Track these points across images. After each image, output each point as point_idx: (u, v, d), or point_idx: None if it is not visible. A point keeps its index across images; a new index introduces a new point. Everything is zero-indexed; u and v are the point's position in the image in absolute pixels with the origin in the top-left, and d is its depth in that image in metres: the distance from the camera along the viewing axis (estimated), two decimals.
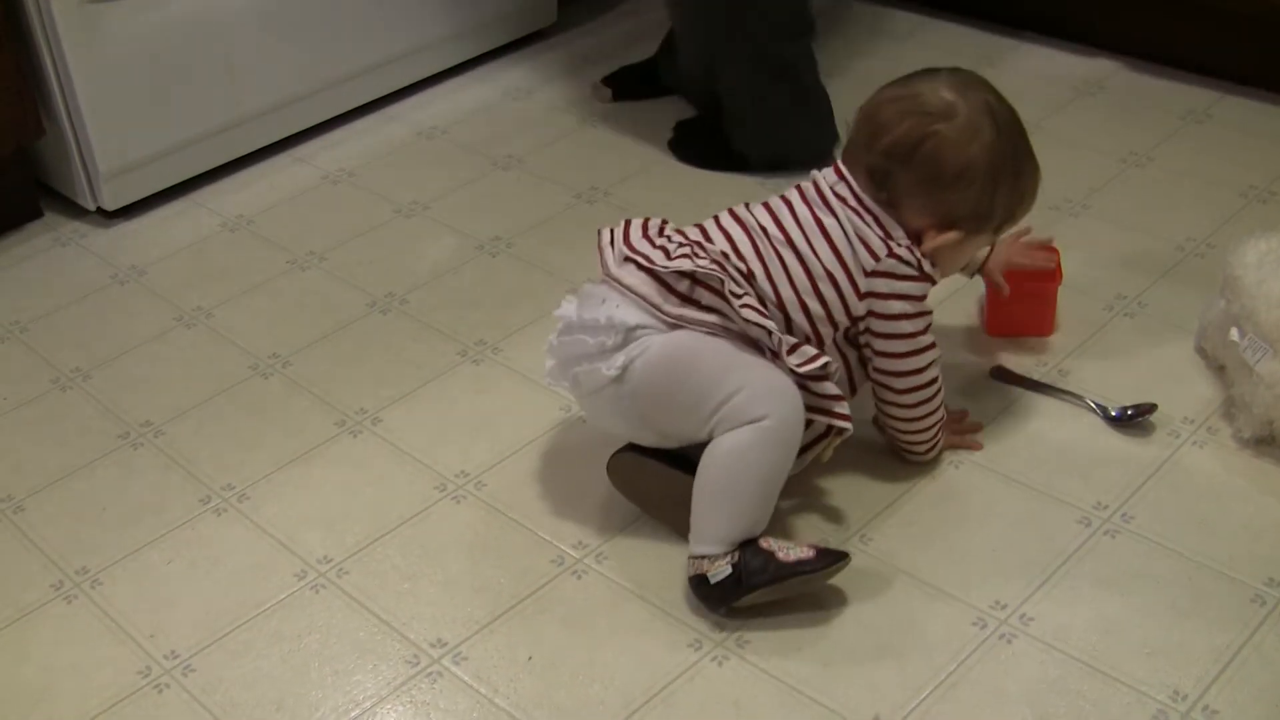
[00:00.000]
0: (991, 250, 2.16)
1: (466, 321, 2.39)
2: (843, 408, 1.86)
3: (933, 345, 1.94)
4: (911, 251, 1.89)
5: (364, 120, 3.03)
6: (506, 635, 1.83)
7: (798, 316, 1.89)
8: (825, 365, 1.83)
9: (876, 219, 1.89)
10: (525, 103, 3.07)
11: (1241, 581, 1.84)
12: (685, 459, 1.89)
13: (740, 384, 1.81)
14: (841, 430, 1.87)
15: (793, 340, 1.84)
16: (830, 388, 1.85)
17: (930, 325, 1.93)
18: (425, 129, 2.99)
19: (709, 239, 1.91)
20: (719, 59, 2.69)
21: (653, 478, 1.92)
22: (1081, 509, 1.96)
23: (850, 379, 1.99)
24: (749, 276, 1.87)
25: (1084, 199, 2.61)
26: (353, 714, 1.74)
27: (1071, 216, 2.57)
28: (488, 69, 3.21)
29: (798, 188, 1.96)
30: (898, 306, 1.89)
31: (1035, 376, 2.18)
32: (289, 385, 2.28)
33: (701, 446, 1.84)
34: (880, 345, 1.92)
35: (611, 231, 1.97)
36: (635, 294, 1.87)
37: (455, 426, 2.16)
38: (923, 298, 1.91)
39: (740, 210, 1.95)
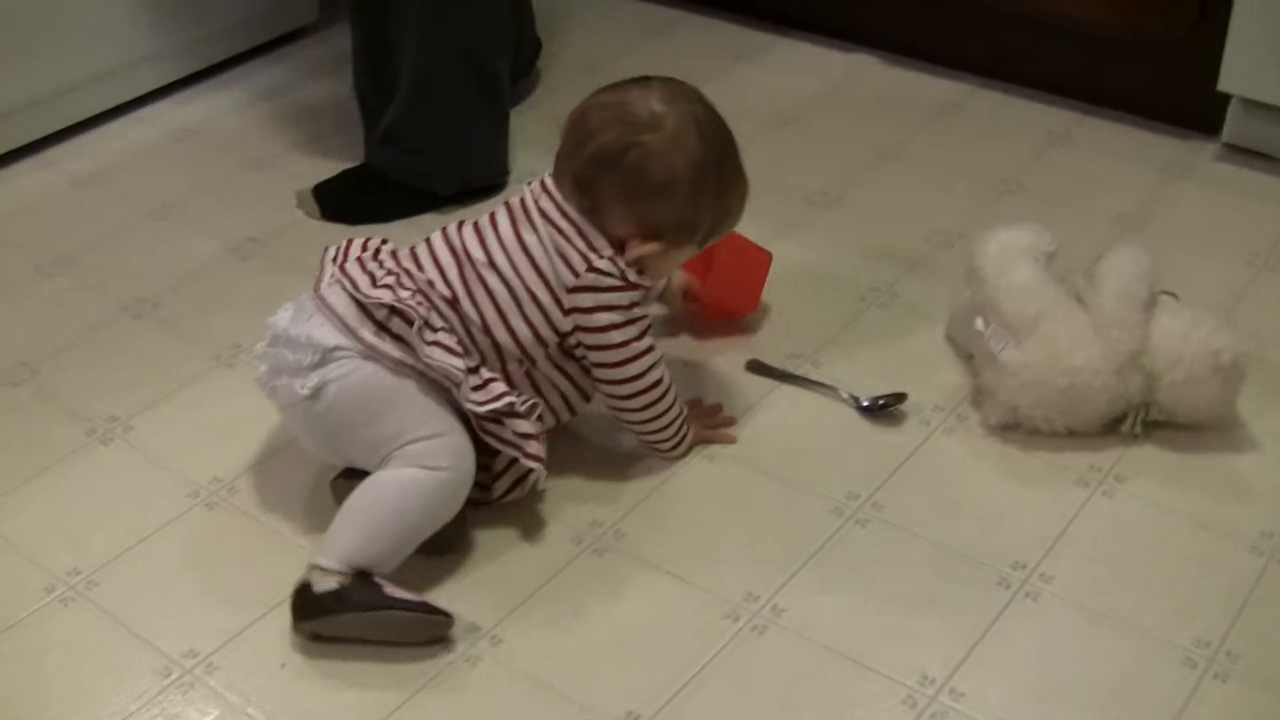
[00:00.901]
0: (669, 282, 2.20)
1: (219, 325, 2.35)
2: (535, 447, 1.86)
3: (649, 349, 1.94)
4: (614, 262, 1.88)
5: (114, 123, 2.96)
6: (259, 643, 1.80)
7: (504, 339, 1.89)
8: (510, 405, 1.84)
9: (579, 230, 1.88)
10: (282, 102, 3.03)
11: (988, 565, 1.88)
12: None
13: (434, 431, 1.82)
14: (531, 470, 1.88)
15: (479, 379, 1.85)
16: (523, 425, 1.86)
17: (647, 329, 1.93)
18: (177, 131, 2.93)
19: (419, 265, 1.91)
20: (426, 66, 2.57)
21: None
22: (833, 499, 1.98)
23: (580, 390, 1.99)
24: (453, 302, 1.87)
25: (838, 191, 2.65)
26: None
27: (825, 209, 2.60)
28: (245, 69, 3.16)
29: (507, 203, 1.95)
30: (603, 318, 1.89)
31: (789, 368, 2.21)
32: (38, 394, 2.22)
33: None
34: (594, 357, 1.93)
35: (336, 248, 1.97)
36: (336, 315, 1.86)
37: (208, 432, 2.13)
38: (631, 306, 1.91)
39: (451, 231, 1.95)
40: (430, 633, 1.79)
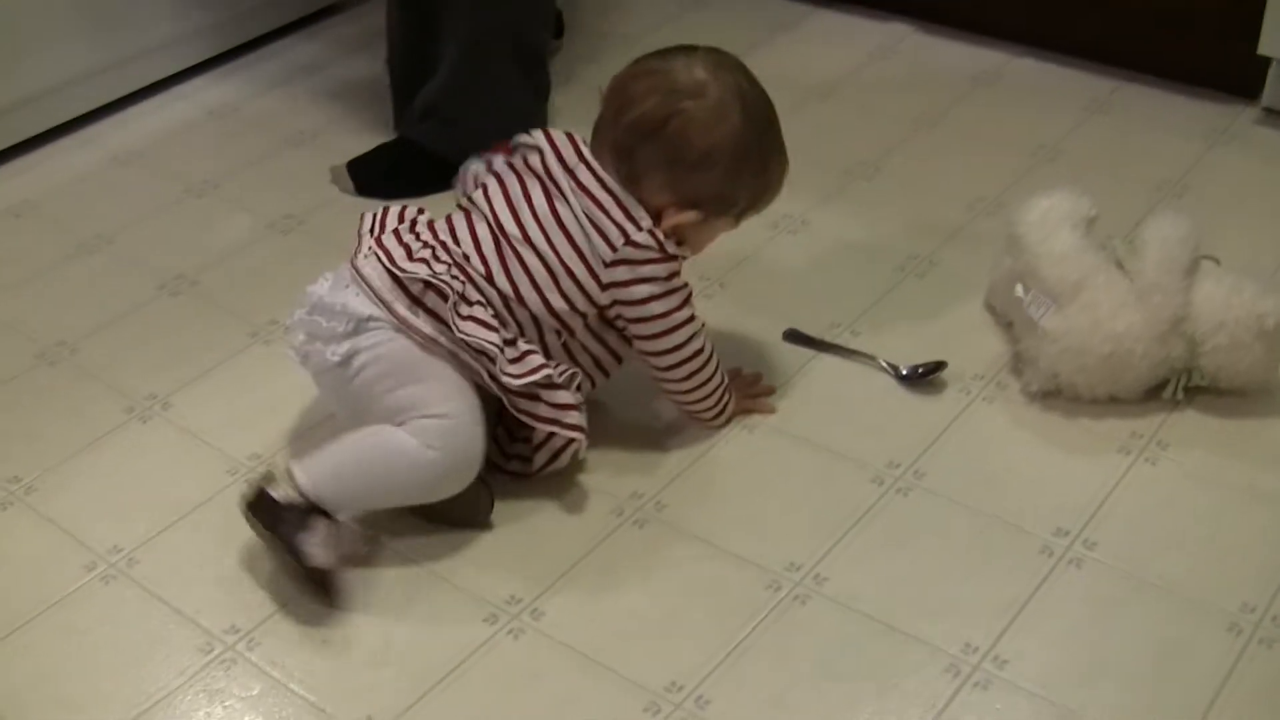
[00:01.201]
0: None
1: (258, 302, 2.35)
2: (574, 417, 1.85)
3: (691, 319, 1.93)
4: (653, 235, 1.87)
5: (154, 99, 2.96)
6: (300, 619, 1.80)
7: (541, 312, 1.88)
8: (548, 377, 1.83)
9: (617, 201, 1.87)
10: (317, 78, 3.03)
11: (1030, 533, 1.87)
12: None
13: (445, 412, 1.81)
14: (571, 441, 1.88)
15: (516, 351, 1.84)
16: (562, 396, 1.85)
17: (688, 299, 1.93)
18: (215, 108, 2.94)
19: (456, 238, 1.90)
20: (472, 43, 2.57)
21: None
22: (874, 468, 1.98)
23: (615, 355, 1.99)
24: (489, 278, 1.87)
25: (876, 161, 2.63)
26: (144, 706, 1.70)
27: (864, 179, 2.59)
28: (280, 45, 3.16)
29: (539, 173, 1.91)
30: (642, 290, 1.88)
31: (828, 338, 2.20)
32: (77, 372, 2.23)
33: None
34: (635, 329, 1.92)
35: (373, 217, 1.97)
36: (370, 288, 1.85)
37: (247, 409, 2.13)
38: (670, 277, 1.90)
39: (481, 202, 1.93)
40: (307, 589, 1.82)
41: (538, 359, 1.85)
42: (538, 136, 1.93)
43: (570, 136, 1.92)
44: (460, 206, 1.96)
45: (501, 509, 1.93)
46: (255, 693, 1.72)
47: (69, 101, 2.84)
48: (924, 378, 2.11)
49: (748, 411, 2.07)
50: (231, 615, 1.81)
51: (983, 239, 2.40)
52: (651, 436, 2.04)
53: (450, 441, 1.81)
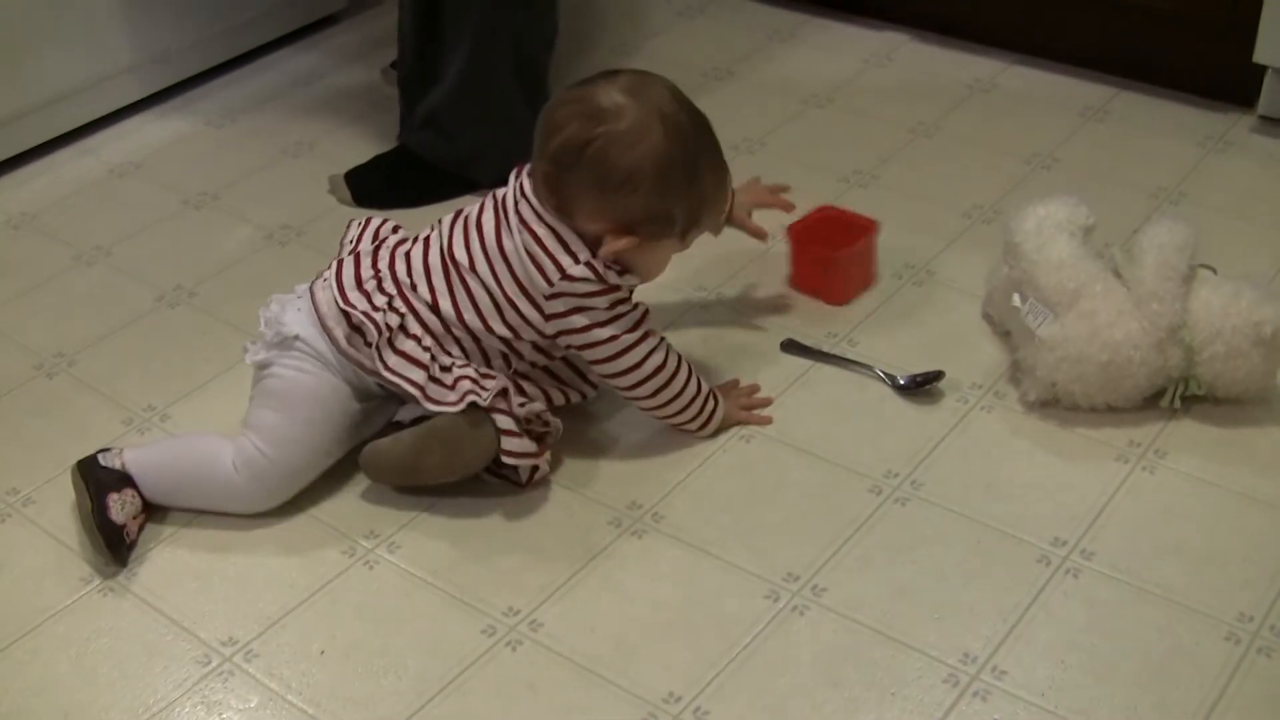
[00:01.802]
0: (733, 201, 2.14)
1: (256, 313, 2.34)
2: (513, 444, 1.89)
3: (643, 338, 1.93)
4: (590, 266, 1.87)
5: (152, 110, 2.97)
6: (298, 629, 1.81)
7: (484, 336, 1.91)
8: (474, 403, 1.86)
9: (555, 234, 1.88)
10: (315, 89, 3.03)
11: (1028, 542, 1.87)
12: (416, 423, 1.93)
13: (270, 450, 1.92)
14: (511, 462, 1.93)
15: (449, 378, 1.89)
16: (503, 421, 1.88)
17: (638, 322, 1.93)
18: (214, 118, 2.94)
19: (409, 265, 1.94)
20: (472, 58, 2.55)
21: (395, 451, 1.93)
22: (872, 478, 1.98)
23: (583, 375, 2.03)
24: (433, 305, 1.91)
25: (873, 169, 2.64)
26: (143, 718, 1.71)
27: (860, 187, 2.59)
28: (278, 55, 3.16)
29: (497, 200, 1.95)
30: (580, 320, 1.90)
31: (825, 348, 2.20)
32: (75, 384, 2.23)
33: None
34: (586, 355, 1.94)
35: (358, 228, 2.04)
36: (319, 313, 1.94)
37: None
38: (612, 306, 1.90)
39: (444, 227, 1.97)
40: (92, 539, 1.90)
41: (467, 385, 1.87)
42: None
43: (521, 168, 1.94)
44: (431, 228, 1.99)
45: (499, 520, 1.94)
46: (253, 704, 1.72)
47: (67, 113, 2.84)
48: (921, 387, 2.11)
49: (744, 422, 2.07)
50: (229, 627, 1.81)
51: (980, 246, 2.40)
52: (649, 447, 2.04)
53: (257, 477, 1.92)
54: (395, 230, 2.01)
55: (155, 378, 2.23)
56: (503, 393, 1.89)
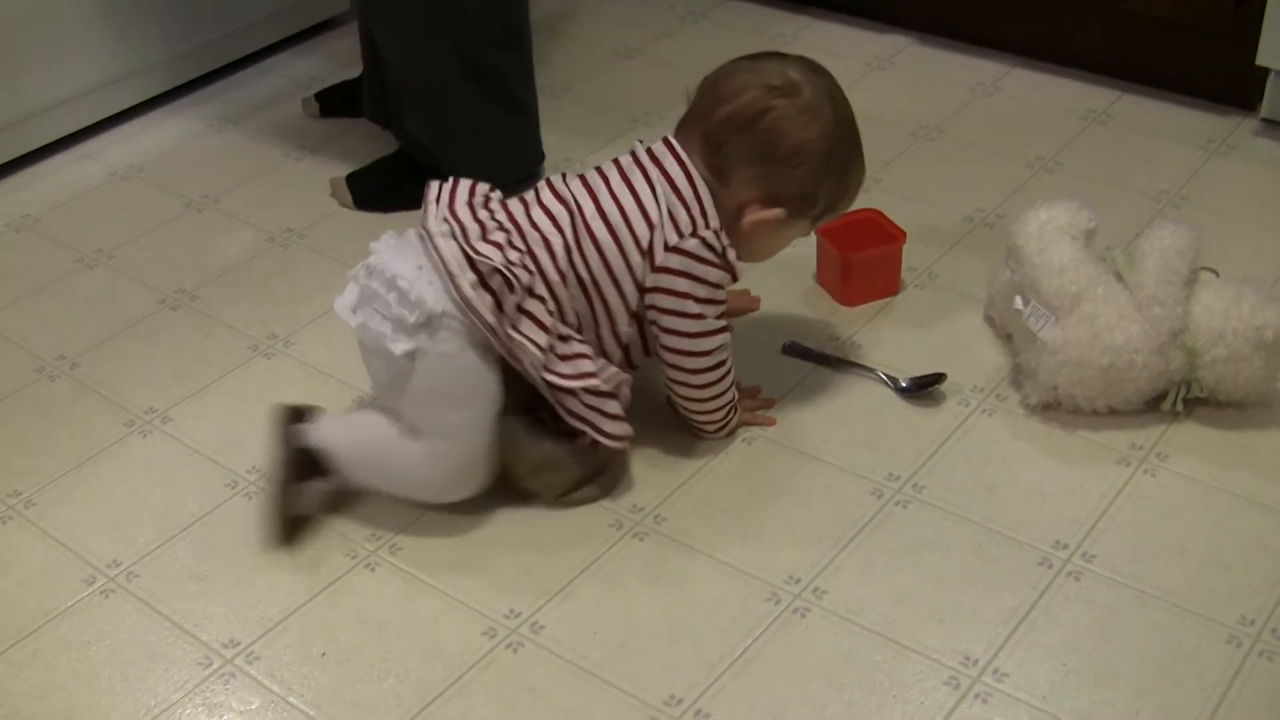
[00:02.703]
0: None
1: (258, 315, 2.35)
2: (612, 426, 1.90)
3: (722, 329, 1.95)
4: (719, 237, 1.89)
5: (154, 114, 2.97)
6: (300, 632, 1.81)
7: (607, 288, 1.90)
8: (594, 386, 1.86)
9: (697, 195, 1.89)
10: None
11: (1029, 545, 1.87)
12: (551, 423, 1.95)
13: (448, 440, 1.89)
14: (607, 444, 1.92)
15: (568, 350, 1.87)
16: (612, 405, 1.89)
17: (722, 311, 1.94)
18: (216, 122, 2.94)
19: (532, 221, 1.90)
20: (418, 67, 2.52)
21: (532, 446, 1.95)
22: (873, 480, 1.98)
23: (627, 356, 1.99)
24: (555, 259, 1.88)
25: (875, 173, 2.63)
26: None
27: (863, 191, 2.56)
28: (279, 59, 3.16)
29: (616, 160, 1.96)
30: (685, 285, 1.89)
31: (827, 351, 2.20)
32: (77, 387, 2.23)
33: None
34: (665, 322, 1.93)
35: (439, 187, 1.94)
36: (441, 260, 1.84)
37: (247, 423, 2.13)
38: (718, 286, 1.92)
39: (558, 183, 1.95)
40: (268, 511, 1.93)
41: (588, 364, 1.87)
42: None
43: (665, 139, 1.94)
44: (544, 185, 1.97)
45: (500, 523, 1.94)
46: (254, 706, 1.72)
47: (69, 116, 2.85)
48: (923, 390, 2.11)
49: (747, 424, 2.07)
50: (231, 629, 1.81)
51: (982, 250, 2.40)
52: (651, 450, 2.04)
53: (452, 473, 1.90)
54: (493, 189, 1.98)
55: (157, 380, 2.23)
56: (622, 382, 1.90)
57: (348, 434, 1.94)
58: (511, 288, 1.83)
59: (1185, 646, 1.72)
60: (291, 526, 1.92)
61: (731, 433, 2.06)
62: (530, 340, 1.84)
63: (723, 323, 1.95)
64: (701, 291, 1.91)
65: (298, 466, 1.91)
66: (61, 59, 2.77)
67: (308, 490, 1.92)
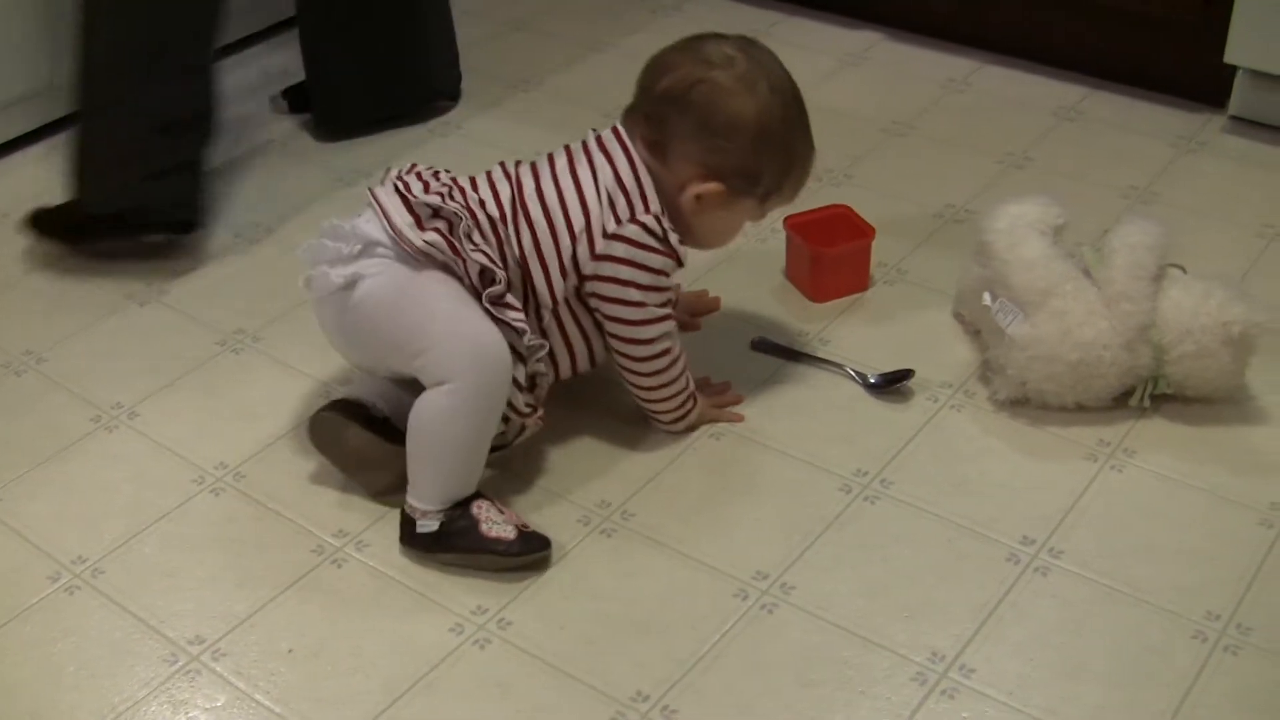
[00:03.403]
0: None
1: (225, 310, 2.34)
2: (517, 399, 1.88)
3: (665, 318, 1.95)
4: (659, 222, 1.89)
5: None
6: (267, 628, 1.80)
7: (536, 271, 1.90)
8: (519, 332, 1.85)
9: (638, 180, 1.90)
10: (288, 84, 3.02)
11: (997, 541, 1.87)
12: (384, 423, 1.93)
13: (437, 340, 1.83)
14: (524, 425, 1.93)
15: (503, 301, 1.86)
16: (518, 369, 1.87)
17: (668, 300, 1.94)
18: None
19: (475, 186, 1.92)
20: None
21: (351, 440, 1.93)
22: (842, 476, 1.98)
23: (590, 349, 1.99)
24: (499, 221, 1.89)
25: (846, 168, 2.64)
26: (109, 718, 1.70)
27: (834, 186, 2.59)
28: (248, 54, 3.15)
29: (567, 146, 1.97)
30: (626, 272, 1.90)
31: (796, 346, 2.20)
32: (44, 381, 2.22)
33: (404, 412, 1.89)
34: (607, 310, 1.93)
35: (399, 167, 1.97)
36: (383, 210, 1.87)
37: (214, 418, 2.12)
38: (661, 272, 1.91)
39: (509, 165, 1.97)
40: (526, 565, 1.85)
41: (517, 313, 1.86)
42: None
43: (613, 127, 1.96)
44: (496, 165, 1.99)
45: None
46: (220, 703, 1.71)
47: (35, 111, 2.83)
48: (891, 386, 2.11)
49: (715, 419, 2.07)
50: (197, 625, 1.81)
51: (952, 246, 2.40)
52: (619, 445, 2.04)
53: (459, 364, 1.83)
54: (448, 171, 1.98)
55: (124, 375, 2.22)
56: (539, 345, 1.89)
57: (420, 473, 1.87)
58: (451, 225, 1.85)
59: (1152, 642, 1.73)
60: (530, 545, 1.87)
61: (692, 427, 2.06)
62: (487, 263, 1.85)
63: (666, 311, 1.95)
64: (644, 279, 1.91)
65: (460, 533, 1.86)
66: (18, 54, 2.75)
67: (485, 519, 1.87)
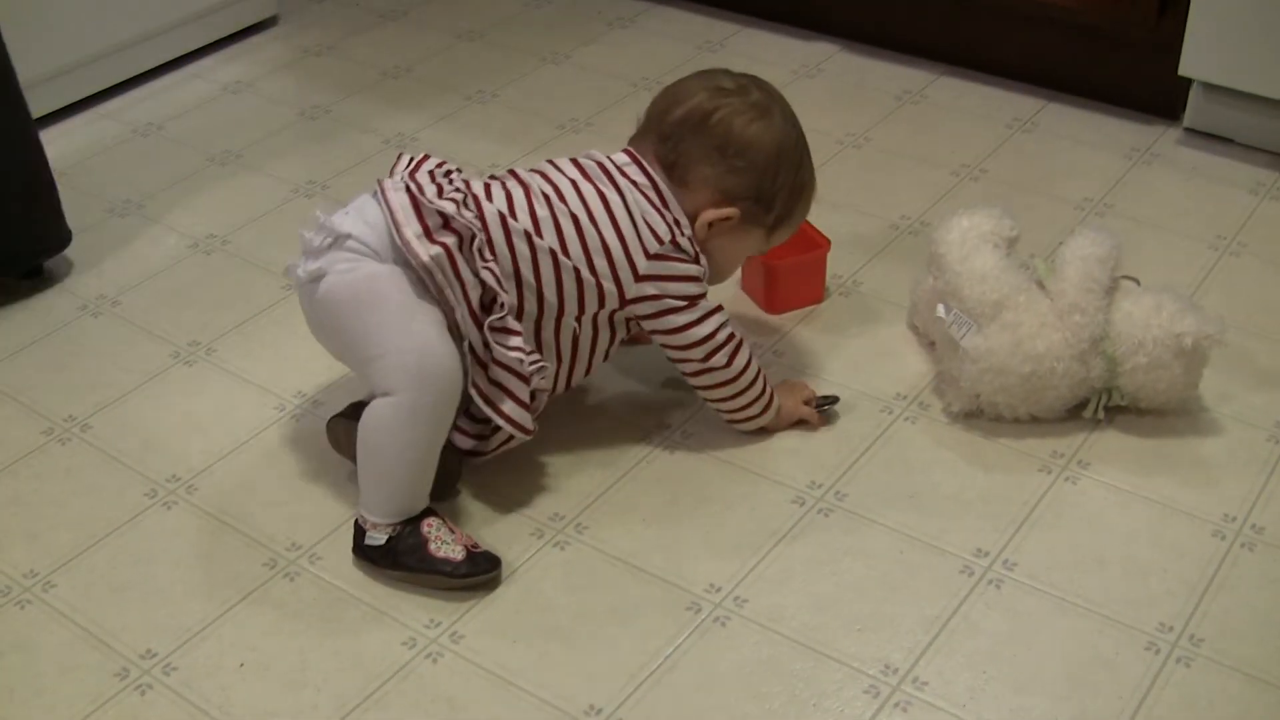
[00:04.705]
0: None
1: (180, 322, 2.33)
2: (515, 410, 1.87)
3: (717, 309, 1.96)
4: (692, 243, 1.92)
5: (75, 119, 2.94)
6: (218, 642, 1.79)
7: (567, 294, 1.90)
8: (519, 359, 1.83)
9: (664, 201, 1.92)
10: (244, 96, 3.01)
11: (950, 553, 1.87)
12: None
13: (386, 349, 1.82)
14: (505, 427, 1.89)
15: (504, 323, 1.83)
16: (520, 388, 1.86)
17: (718, 317, 1.96)
18: (141, 125, 2.91)
19: (489, 196, 1.90)
20: None
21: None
22: (795, 488, 1.98)
23: (590, 362, 1.99)
24: (529, 234, 1.87)
25: None
26: None
27: None
28: (205, 63, 3.14)
29: (575, 162, 1.97)
30: (674, 288, 1.92)
31: None
32: None
33: None
34: (659, 324, 1.94)
35: (409, 159, 1.96)
36: (389, 209, 1.85)
37: (166, 431, 2.11)
38: (700, 280, 1.94)
39: (523, 174, 1.96)
40: (473, 586, 1.84)
41: (517, 340, 1.85)
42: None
43: (626, 149, 1.98)
44: (508, 174, 1.97)
45: None
46: (170, 718, 1.70)
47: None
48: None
49: (806, 419, 2.08)
50: (148, 639, 1.79)
51: (906, 258, 2.40)
52: (572, 457, 2.04)
53: (402, 378, 1.81)
54: (458, 170, 1.97)
55: (76, 388, 2.20)
56: (540, 367, 1.87)
57: (367, 485, 1.86)
58: (462, 240, 1.83)
59: (1104, 653, 1.73)
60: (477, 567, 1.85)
61: (790, 422, 2.08)
62: (493, 274, 1.83)
63: (716, 302, 1.97)
64: (692, 289, 1.94)
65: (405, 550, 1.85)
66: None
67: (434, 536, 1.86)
